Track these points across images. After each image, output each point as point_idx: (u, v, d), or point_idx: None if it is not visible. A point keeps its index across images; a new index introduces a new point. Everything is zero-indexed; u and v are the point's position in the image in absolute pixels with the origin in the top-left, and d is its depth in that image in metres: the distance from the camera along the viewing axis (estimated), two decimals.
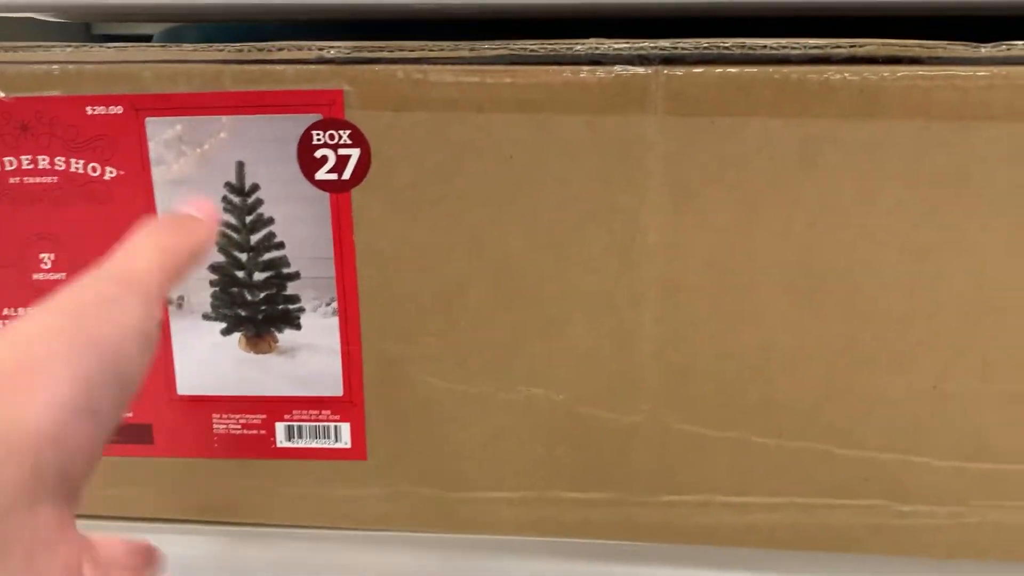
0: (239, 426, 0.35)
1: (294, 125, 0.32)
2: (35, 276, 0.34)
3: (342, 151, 0.32)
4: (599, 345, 0.32)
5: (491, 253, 0.32)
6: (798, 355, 0.32)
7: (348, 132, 0.32)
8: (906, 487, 0.32)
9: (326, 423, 0.35)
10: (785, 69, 0.30)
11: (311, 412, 0.35)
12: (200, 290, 0.34)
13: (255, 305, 0.34)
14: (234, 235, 0.33)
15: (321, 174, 0.32)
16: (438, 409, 0.34)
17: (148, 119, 0.32)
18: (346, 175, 0.32)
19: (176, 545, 0.37)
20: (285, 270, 0.33)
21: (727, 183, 0.31)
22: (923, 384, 0.31)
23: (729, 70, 0.30)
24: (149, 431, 0.35)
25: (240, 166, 0.32)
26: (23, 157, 0.33)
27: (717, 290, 0.32)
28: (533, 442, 0.34)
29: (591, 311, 0.32)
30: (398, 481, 0.35)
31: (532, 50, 0.30)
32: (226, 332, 0.34)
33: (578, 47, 0.30)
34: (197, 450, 0.35)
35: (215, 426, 0.35)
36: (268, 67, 0.31)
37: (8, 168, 0.33)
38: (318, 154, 0.32)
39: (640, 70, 0.30)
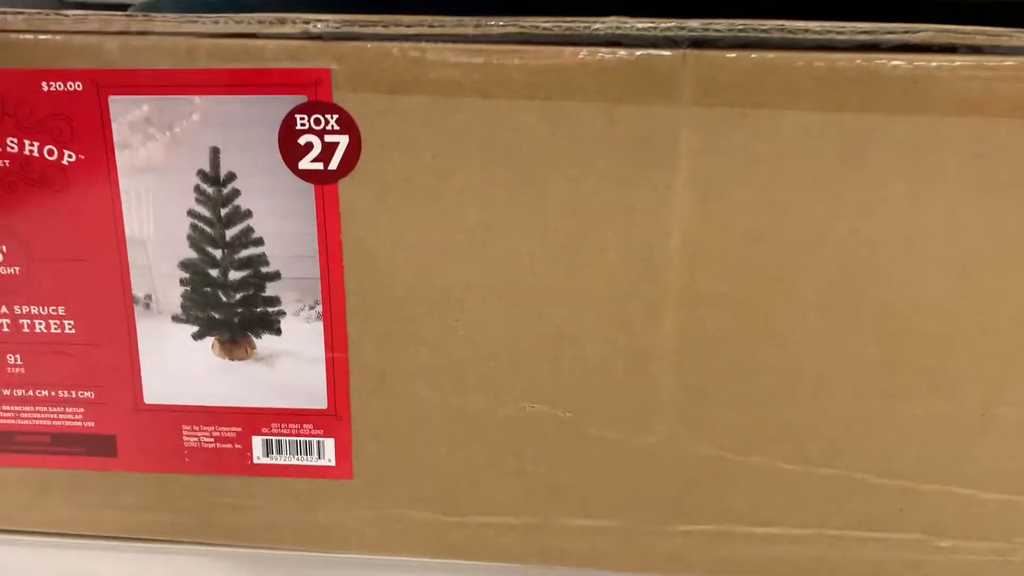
0: (212, 439, 0.32)
1: (276, 108, 0.28)
2: None
3: (329, 138, 0.28)
4: (612, 360, 0.29)
5: (493, 256, 0.29)
6: (830, 376, 0.29)
7: (336, 117, 0.28)
8: (946, 520, 0.29)
9: (308, 438, 0.31)
10: (829, 56, 0.26)
11: (292, 426, 0.31)
12: (170, 289, 0.30)
13: (231, 307, 0.30)
14: (207, 229, 0.30)
15: (305, 163, 0.29)
16: (432, 425, 0.31)
17: (111, 97, 0.29)
18: (333, 165, 0.29)
19: (140, 567, 0.34)
20: (264, 269, 0.30)
21: (759, 183, 0.27)
22: (969, 410, 0.28)
23: (766, 55, 0.26)
24: (113, 443, 0.32)
25: (214, 152, 0.29)
26: None
27: (743, 302, 0.28)
28: (536, 463, 0.31)
29: (604, 323, 0.29)
30: (387, 503, 0.32)
31: (545, 28, 0.27)
32: (198, 336, 0.31)
33: (598, 26, 0.27)
34: (165, 464, 0.32)
35: (186, 439, 0.32)
36: (247, 42, 0.28)
37: None
38: (302, 140, 0.28)
39: (667, 53, 0.27)
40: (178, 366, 0.31)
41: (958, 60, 0.26)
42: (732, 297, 0.28)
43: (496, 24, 0.27)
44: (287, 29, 0.27)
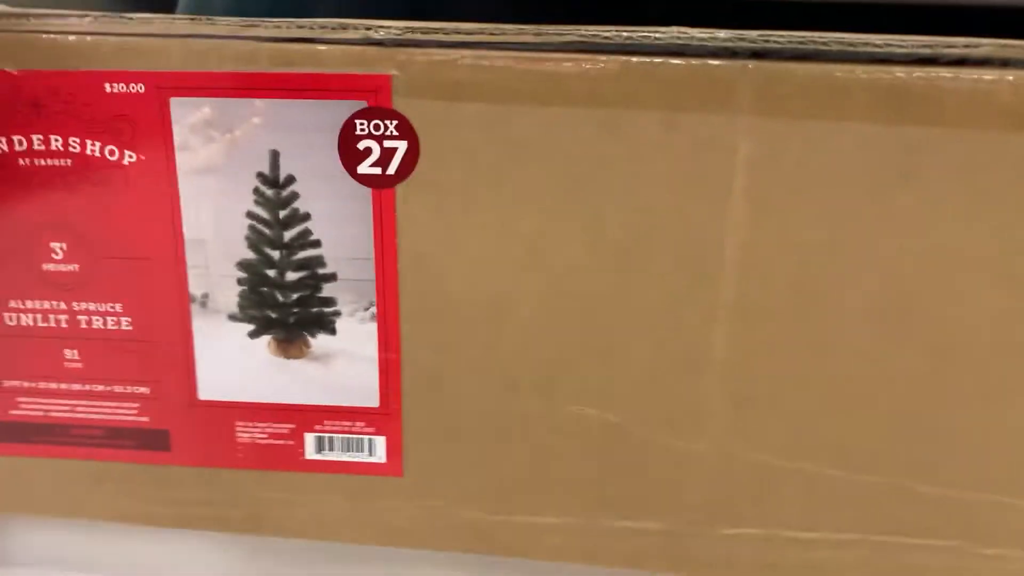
0: (265, 435, 0.32)
1: (336, 112, 0.28)
2: (44, 267, 0.31)
3: (388, 143, 0.29)
4: (663, 367, 0.30)
5: (548, 263, 0.29)
6: (878, 386, 0.29)
7: (395, 123, 0.28)
8: (993, 530, 0.30)
9: (360, 435, 0.32)
10: (888, 69, 0.26)
11: (344, 423, 0.32)
12: (226, 289, 0.31)
13: (287, 307, 0.31)
14: (266, 231, 0.30)
15: (364, 168, 0.29)
16: (482, 425, 0.31)
17: (173, 99, 0.29)
18: (391, 170, 0.29)
19: (191, 558, 0.35)
20: (321, 271, 0.30)
21: (815, 195, 0.28)
22: (1017, 421, 0.29)
23: (826, 68, 0.27)
24: (166, 437, 0.33)
25: (274, 155, 0.29)
26: (34, 136, 0.30)
27: (796, 313, 0.29)
28: (582, 465, 0.31)
29: (656, 330, 0.29)
30: (435, 500, 0.32)
31: (606, 37, 0.27)
32: (254, 334, 0.31)
33: (658, 35, 0.27)
34: (217, 459, 0.33)
35: (239, 434, 0.32)
36: (309, 47, 0.28)
37: (18, 148, 0.30)
38: (361, 145, 0.29)
39: (727, 63, 0.27)
40: (233, 363, 0.32)
41: (1014, 75, 0.26)
42: (784, 308, 0.29)
43: (557, 32, 0.27)
44: (349, 35, 0.28)
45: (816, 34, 0.27)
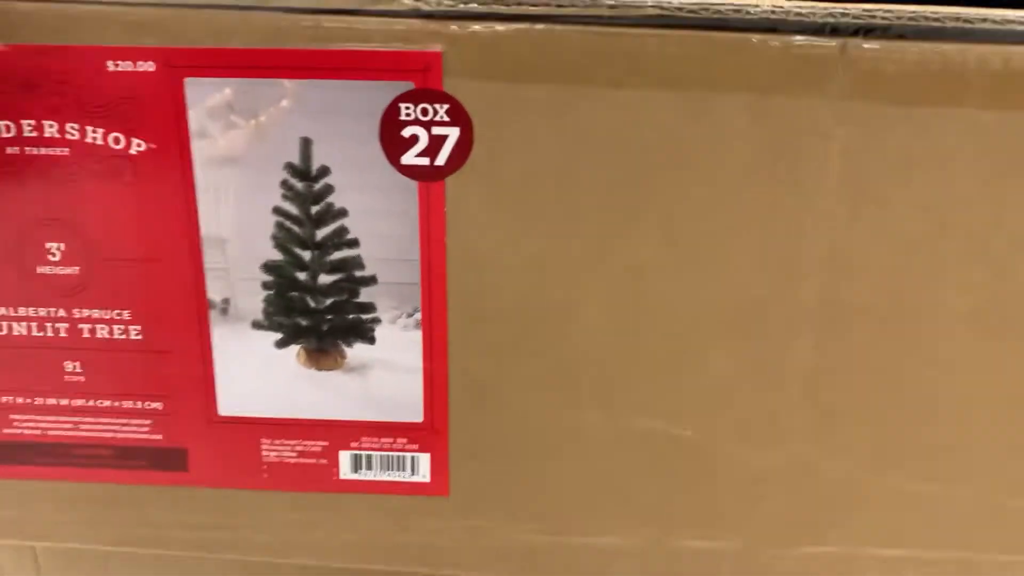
0: (294, 453, 0.29)
1: (377, 95, 0.25)
2: (40, 269, 0.28)
3: (437, 130, 0.25)
4: (740, 376, 0.27)
5: (616, 263, 0.26)
6: (975, 394, 0.27)
7: (446, 107, 0.25)
8: None
9: (401, 453, 0.29)
10: (1009, 49, 0.24)
11: (383, 440, 0.29)
12: (250, 293, 0.27)
13: (319, 313, 0.28)
14: (295, 228, 0.27)
15: (409, 158, 0.26)
16: (538, 441, 0.28)
17: (188, 80, 0.25)
18: (440, 160, 0.26)
19: None
20: (358, 273, 0.27)
21: (917, 187, 0.25)
22: None
23: (940, 47, 0.24)
24: (183, 456, 0.29)
25: (306, 144, 0.26)
26: (25, 122, 0.26)
27: (889, 315, 0.26)
28: (650, 482, 0.29)
29: (735, 336, 0.27)
30: (485, 521, 0.30)
31: (692, 11, 0.24)
32: (281, 344, 0.28)
33: (752, 8, 0.24)
34: (242, 480, 0.30)
35: (264, 453, 0.29)
36: (347, 19, 0.24)
37: (5, 135, 0.26)
38: (406, 132, 0.25)
39: (826, 41, 0.24)
40: (258, 376, 0.28)
41: None
42: (878, 310, 0.26)
43: (635, 4, 0.24)
44: (394, 6, 0.24)
45: (928, 8, 0.24)
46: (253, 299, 0.28)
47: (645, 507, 0.29)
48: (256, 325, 0.28)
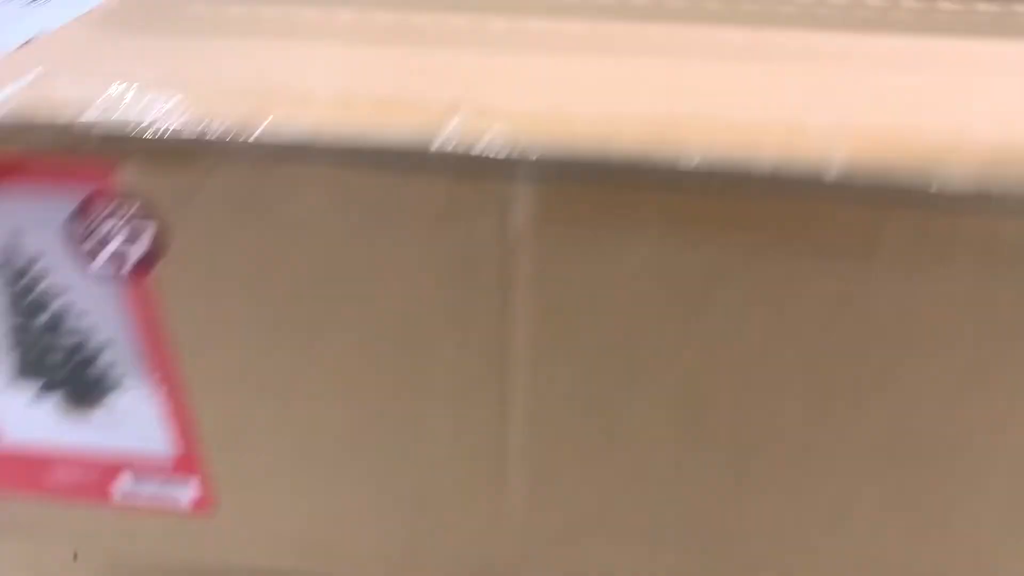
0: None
1: (65, 198, 0.25)
2: None
3: (130, 226, 0.25)
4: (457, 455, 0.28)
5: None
6: (679, 476, 0.27)
7: (136, 204, 0.25)
8: None
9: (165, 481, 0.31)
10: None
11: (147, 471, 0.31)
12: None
13: (67, 369, 0.29)
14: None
15: (105, 255, 0.26)
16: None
17: None
18: (136, 254, 0.26)
19: None
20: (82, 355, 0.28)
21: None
22: None
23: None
24: None
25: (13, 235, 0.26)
26: None
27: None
28: None
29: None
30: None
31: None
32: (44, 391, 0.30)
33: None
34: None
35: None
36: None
37: None
38: (101, 230, 0.25)
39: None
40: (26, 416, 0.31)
41: None
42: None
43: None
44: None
45: None
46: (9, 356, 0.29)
47: None
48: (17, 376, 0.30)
